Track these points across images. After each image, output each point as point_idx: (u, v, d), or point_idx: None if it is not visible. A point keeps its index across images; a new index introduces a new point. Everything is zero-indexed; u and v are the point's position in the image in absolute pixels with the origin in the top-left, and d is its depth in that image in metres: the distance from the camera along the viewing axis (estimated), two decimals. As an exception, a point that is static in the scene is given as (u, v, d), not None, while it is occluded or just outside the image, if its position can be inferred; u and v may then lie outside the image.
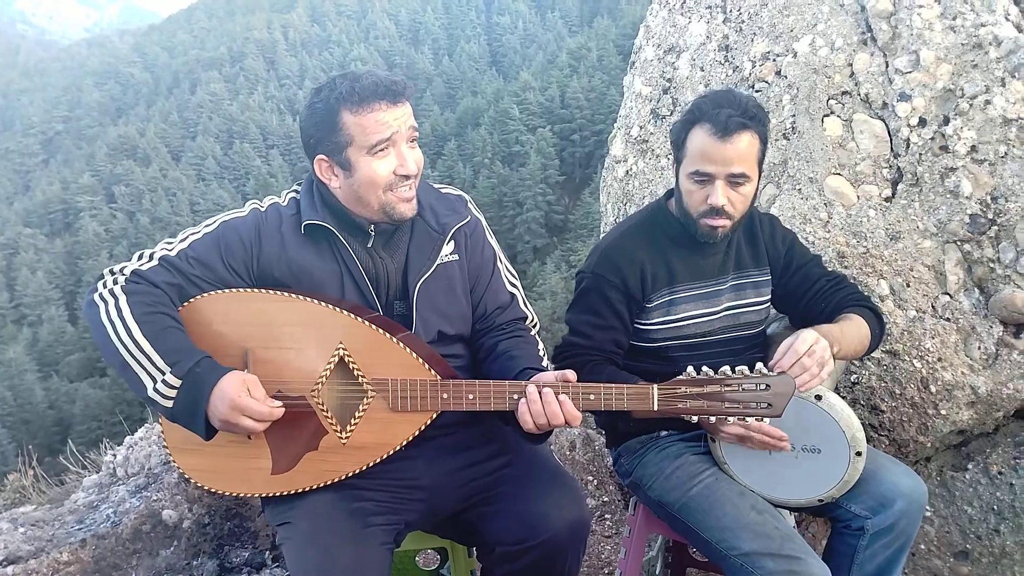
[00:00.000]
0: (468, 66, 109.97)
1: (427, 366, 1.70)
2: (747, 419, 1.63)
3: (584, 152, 75.29)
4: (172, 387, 1.60)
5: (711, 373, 1.61)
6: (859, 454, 1.86)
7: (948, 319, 2.36)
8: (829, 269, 2.23)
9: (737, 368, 1.61)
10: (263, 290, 1.75)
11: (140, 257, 1.74)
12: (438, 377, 1.70)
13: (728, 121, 1.86)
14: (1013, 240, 2.25)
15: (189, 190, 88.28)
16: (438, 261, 1.83)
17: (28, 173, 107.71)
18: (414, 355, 1.69)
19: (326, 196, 1.79)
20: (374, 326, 1.70)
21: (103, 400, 48.22)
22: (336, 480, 1.73)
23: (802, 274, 2.12)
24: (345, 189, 1.75)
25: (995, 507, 2.47)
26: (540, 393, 1.62)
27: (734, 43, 2.77)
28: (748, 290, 2.11)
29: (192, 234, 1.79)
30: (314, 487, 1.73)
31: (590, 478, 3.31)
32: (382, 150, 1.69)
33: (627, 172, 3.13)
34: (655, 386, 1.63)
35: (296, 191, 1.86)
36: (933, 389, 2.39)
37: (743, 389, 1.60)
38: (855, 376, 2.50)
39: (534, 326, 2.00)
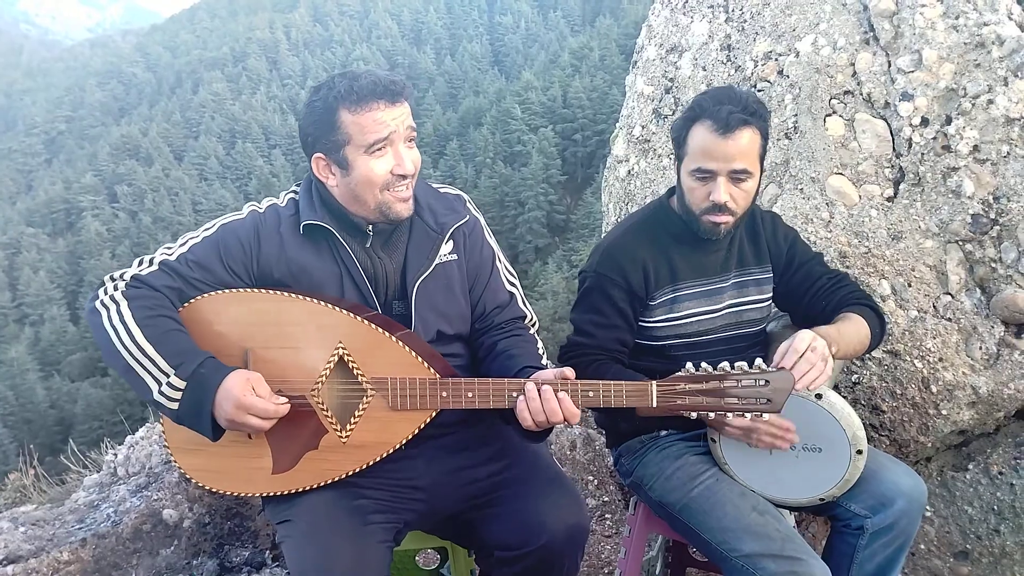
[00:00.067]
0: (470, 66, 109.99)
1: (426, 364, 1.70)
2: (748, 416, 1.62)
3: (586, 152, 75.32)
4: (177, 389, 1.60)
5: (710, 369, 1.61)
6: (860, 453, 1.86)
7: (949, 319, 2.36)
8: (831, 268, 2.22)
9: (736, 364, 1.61)
10: (262, 290, 1.75)
11: (140, 262, 1.75)
12: (437, 375, 1.70)
13: (729, 117, 1.86)
14: (1015, 240, 2.25)
15: (191, 190, 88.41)
16: (437, 261, 1.83)
17: (31, 173, 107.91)
18: (413, 353, 1.69)
19: (325, 196, 1.79)
20: (373, 325, 1.70)
21: (104, 400, 48.26)
22: (336, 479, 1.73)
23: (804, 272, 2.12)
24: (342, 188, 1.75)
25: (995, 507, 2.46)
26: (539, 391, 1.62)
27: (736, 42, 2.77)
28: (750, 287, 2.11)
29: (191, 238, 1.79)
30: (314, 486, 1.73)
31: (590, 478, 3.31)
32: (379, 149, 1.69)
33: (629, 172, 3.13)
34: (654, 383, 1.63)
35: (295, 192, 1.87)
36: (934, 389, 2.39)
37: (742, 385, 1.59)
38: (856, 376, 2.49)
39: (533, 325, 2.00)
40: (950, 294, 2.36)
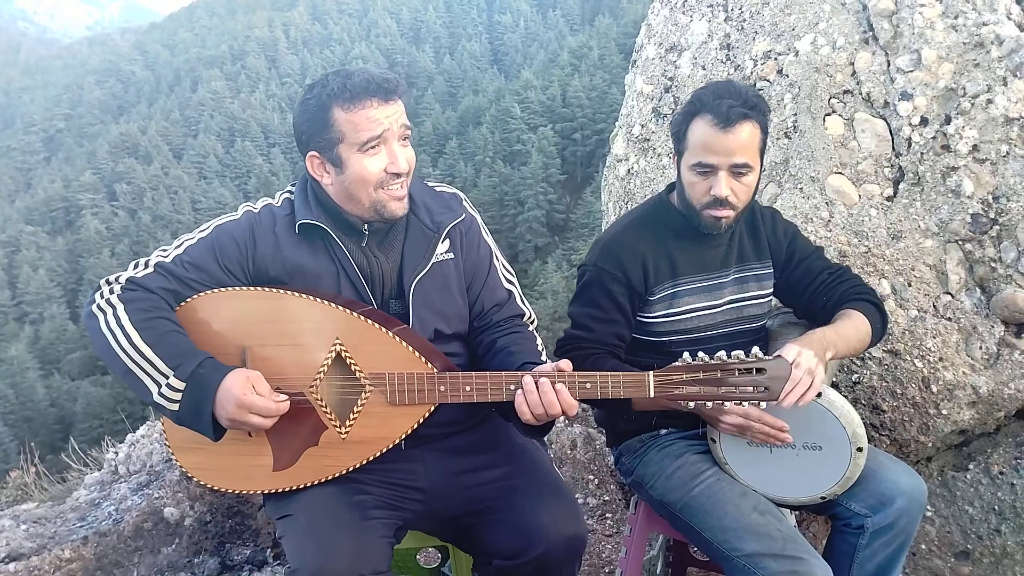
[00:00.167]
0: (469, 65, 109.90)
1: (424, 359, 1.70)
2: (745, 405, 1.62)
3: (585, 151, 75.28)
4: (176, 390, 1.60)
5: (707, 359, 1.60)
6: (860, 450, 1.86)
7: (949, 319, 2.36)
8: (831, 261, 2.22)
9: (733, 353, 1.60)
10: (259, 288, 1.76)
11: (135, 265, 1.75)
12: (435, 370, 1.70)
13: (729, 111, 1.85)
14: (1015, 240, 2.25)
15: (191, 188, 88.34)
16: (433, 260, 1.83)
17: (30, 171, 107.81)
18: (410, 349, 1.70)
19: (320, 195, 1.79)
20: (370, 320, 1.70)
21: (105, 398, 48.22)
22: (336, 475, 1.74)
23: (804, 267, 2.12)
24: (337, 186, 1.75)
25: (996, 507, 2.47)
26: (536, 383, 1.62)
27: (736, 42, 2.77)
28: (751, 283, 2.11)
29: (187, 240, 1.79)
30: (315, 482, 1.74)
31: (591, 477, 3.32)
32: (373, 147, 1.69)
33: (628, 171, 3.13)
34: (651, 373, 1.63)
35: (290, 192, 1.86)
36: (934, 389, 2.39)
37: (739, 374, 1.59)
38: (856, 375, 2.50)
39: (532, 322, 2.00)
40: (950, 294, 2.37)
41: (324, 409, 1.71)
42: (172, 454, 1.82)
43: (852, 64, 2.47)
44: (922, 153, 2.34)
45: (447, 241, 1.86)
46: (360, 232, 1.79)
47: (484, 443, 1.89)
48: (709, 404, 1.62)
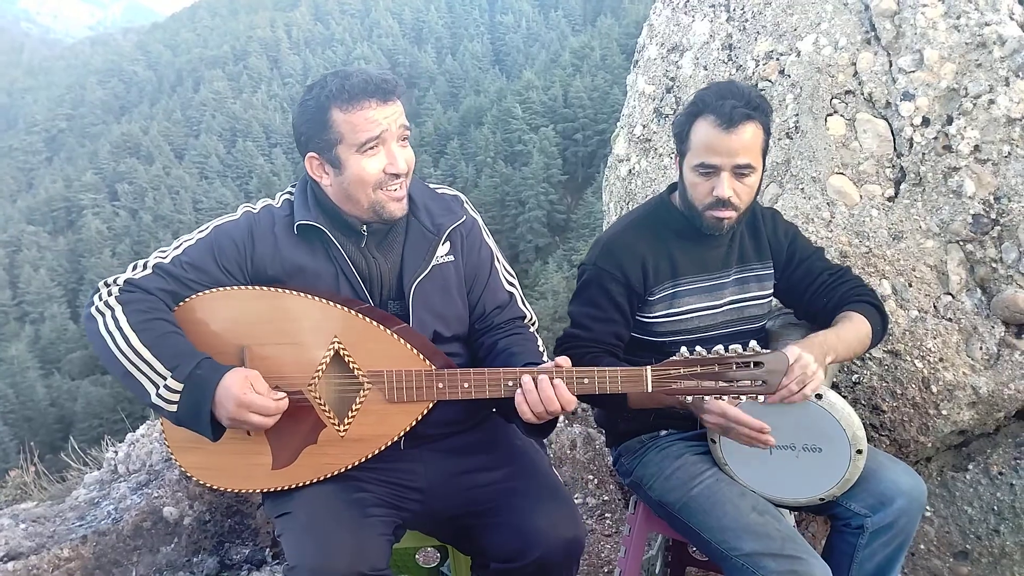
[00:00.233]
0: (471, 65, 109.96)
1: (422, 356, 1.70)
2: (743, 399, 1.62)
3: (587, 151, 75.32)
4: (174, 391, 1.60)
5: (704, 353, 1.60)
6: (860, 452, 1.85)
7: (950, 319, 2.36)
8: (832, 262, 2.22)
9: (731, 347, 1.60)
10: (256, 287, 1.76)
11: (134, 267, 1.75)
12: (433, 367, 1.70)
13: (732, 112, 1.85)
14: (1016, 240, 2.25)
15: (192, 188, 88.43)
16: (433, 262, 1.82)
17: (31, 171, 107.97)
18: (408, 346, 1.70)
19: (319, 196, 1.79)
20: (368, 319, 1.70)
21: (104, 398, 48.25)
22: (335, 473, 1.74)
23: (805, 268, 2.12)
24: (336, 187, 1.74)
25: (995, 507, 2.46)
26: (535, 381, 1.62)
27: (737, 42, 2.77)
28: (751, 283, 2.11)
29: (185, 241, 1.79)
30: (314, 480, 1.74)
31: (590, 477, 3.31)
32: (371, 148, 1.68)
33: (630, 171, 3.13)
34: (648, 368, 1.63)
35: (290, 192, 1.86)
36: (934, 389, 2.39)
37: (737, 367, 1.59)
38: (856, 376, 2.49)
39: (533, 324, 2.00)
40: (951, 294, 2.36)
41: (322, 407, 1.71)
42: (171, 453, 1.82)
43: (854, 64, 2.46)
44: (924, 153, 2.34)
45: (447, 243, 1.86)
46: (359, 233, 1.79)
47: (483, 444, 1.89)
48: (707, 398, 1.62)
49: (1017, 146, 2.22)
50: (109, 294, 1.69)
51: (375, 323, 1.70)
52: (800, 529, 2.66)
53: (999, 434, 2.48)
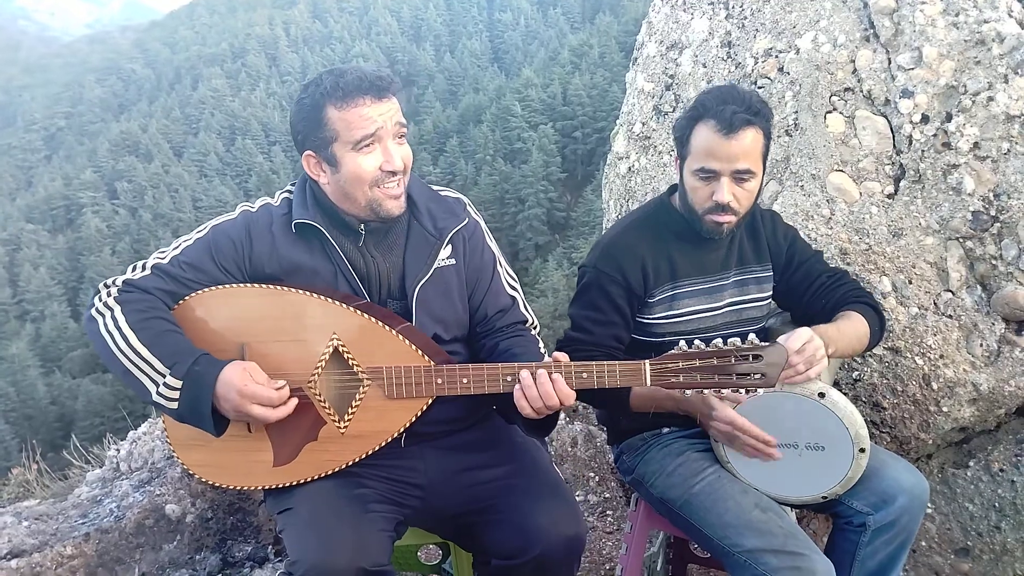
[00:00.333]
0: (470, 63, 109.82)
1: (421, 352, 1.70)
2: (743, 392, 1.62)
3: (586, 149, 75.27)
4: (174, 388, 1.61)
5: (703, 346, 1.60)
6: (862, 451, 1.86)
7: (950, 316, 2.37)
8: (831, 265, 2.23)
9: (729, 340, 1.60)
10: (255, 284, 1.76)
11: (133, 268, 1.76)
12: (431, 363, 1.70)
13: (733, 118, 1.85)
14: (1015, 237, 2.25)
15: (191, 186, 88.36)
16: (435, 265, 1.82)
17: (30, 169, 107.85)
18: (407, 342, 1.70)
19: (318, 194, 1.79)
20: (367, 315, 1.70)
21: (105, 396, 48.27)
22: (336, 469, 1.74)
23: (804, 270, 2.12)
24: (333, 185, 1.75)
25: (996, 504, 2.47)
26: (533, 376, 1.62)
27: (736, 39, 2.77)
28: (750, 286, 2.12)
29: (184, 241, 1.80)
30: (315, 477, 1.74)
31: (591, 474, 3.32)
32: (367, 145, 1.68)
33: (629, 169, 3.13)
34: (647, 361, 1.63)
35: (290, 191, 1.87)
36: (935, 386, 2.39)
37: (736, 360, 1.59)
38: (857, 373, 2.50)
39: (534, 328, 2.00)
40: (951, 291, 2.37)
41: (323, 404, 1.72)
42: (173, 451, 1.83)
43: (853, 61, 2.46)
44: (923, 150, 2.34)
45: (449, 246, 1.86)
46: (356, 232, 1.79)
47: (484, 441, 1.89)
48: (706, 392, 1.62)
49: (1016, 143, 2.22)
50: (109, 295, 1.70)
51: (374, 319, 1.70)
52: (801, 527, 2.66)
53: (1000, 431, 2.49)
